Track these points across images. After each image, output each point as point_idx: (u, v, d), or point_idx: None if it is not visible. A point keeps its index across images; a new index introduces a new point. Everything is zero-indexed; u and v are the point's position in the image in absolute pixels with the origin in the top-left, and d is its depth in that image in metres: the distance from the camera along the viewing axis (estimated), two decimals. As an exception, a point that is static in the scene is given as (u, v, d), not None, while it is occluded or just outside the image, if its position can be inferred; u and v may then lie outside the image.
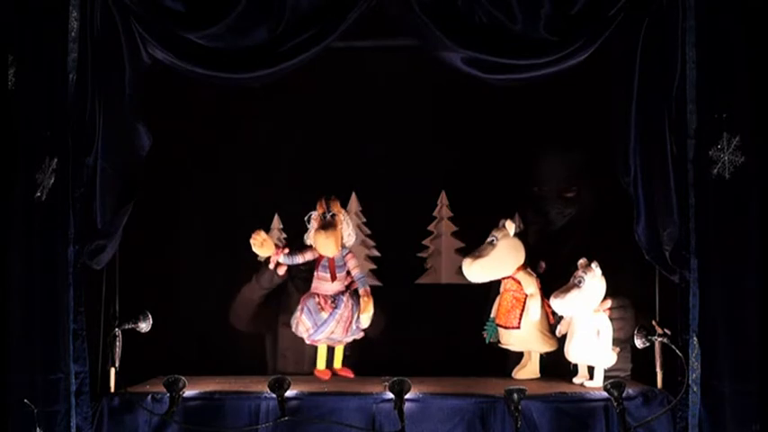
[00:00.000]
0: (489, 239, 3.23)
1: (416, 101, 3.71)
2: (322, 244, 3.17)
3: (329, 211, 3.20)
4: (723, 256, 2.86)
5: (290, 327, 3.26)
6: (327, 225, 3.17)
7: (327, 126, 3.75)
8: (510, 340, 3.27)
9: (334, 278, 3.21)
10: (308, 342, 3.25)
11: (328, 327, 3.19)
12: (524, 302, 3.23)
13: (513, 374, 3.31)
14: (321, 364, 3.28)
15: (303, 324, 3.20)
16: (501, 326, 3.27)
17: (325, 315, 3.19)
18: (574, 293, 3.06)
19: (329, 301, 3.20)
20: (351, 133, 3.73)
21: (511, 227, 3.22)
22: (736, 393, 2.84)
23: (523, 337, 3.25)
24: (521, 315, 3.23)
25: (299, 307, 3.22)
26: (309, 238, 3.22)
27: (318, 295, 3.21)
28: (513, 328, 3.24)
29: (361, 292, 3.20)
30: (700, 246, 2.87)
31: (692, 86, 2.89)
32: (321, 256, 3.22)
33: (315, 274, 3.24)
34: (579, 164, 3.64)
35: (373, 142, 3.73)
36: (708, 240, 2.87)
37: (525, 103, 3.52)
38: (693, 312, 2.87)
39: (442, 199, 3.78)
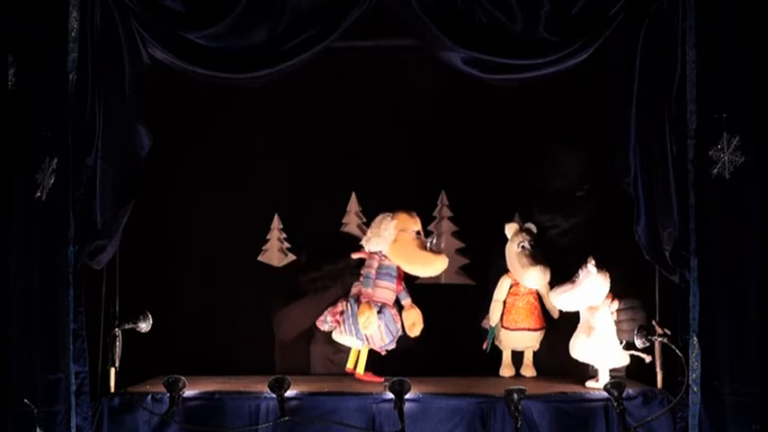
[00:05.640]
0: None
1: (416, 101, 3.71)
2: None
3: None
4: (723, 256, 2.86)
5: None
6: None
7: (328, 126, 3.74)
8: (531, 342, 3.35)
9: (398, 288, 3.18)
10: (377, 350, 3.20)
11: (397, 336, 3.18)
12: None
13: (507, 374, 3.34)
14: (355, 365, 3.20)
15: (379, 335, 3.13)
16: (524, 329, 3.31)
17: (398, 326, 3.16)
18: (566, 288, 3.10)
19: (396, 311, 3.17)
20: (351, 133, 3.73)
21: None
22: (736, 393, 2.83)
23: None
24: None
25: (364, 313, 3.09)
26: (402, 254, 3.15)
27: (388, 305, 3.16)
28: (537, 329, 3.33)
29: (409, 303, 3.19)
30: (700, 246, 2.87)
31: (692, 86, 2.89)
32: (381, 261, 3.16)
33: (371, 280, 3.15)
34: (579, 164, 3.64)
35: (373, 142, 3.73)
36: (708, 240, 2.87)
37: (525, 103, 3.52)
38: (693, 312, 2.87)
39: (442, 199, 3.78)
